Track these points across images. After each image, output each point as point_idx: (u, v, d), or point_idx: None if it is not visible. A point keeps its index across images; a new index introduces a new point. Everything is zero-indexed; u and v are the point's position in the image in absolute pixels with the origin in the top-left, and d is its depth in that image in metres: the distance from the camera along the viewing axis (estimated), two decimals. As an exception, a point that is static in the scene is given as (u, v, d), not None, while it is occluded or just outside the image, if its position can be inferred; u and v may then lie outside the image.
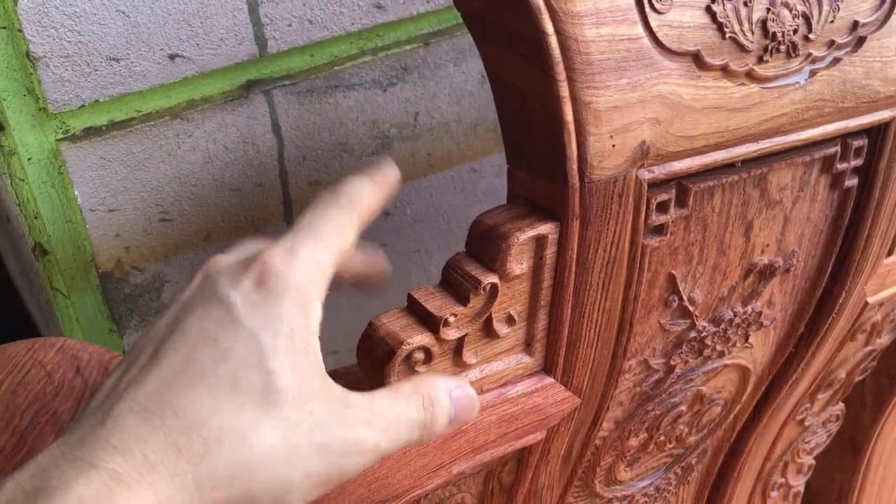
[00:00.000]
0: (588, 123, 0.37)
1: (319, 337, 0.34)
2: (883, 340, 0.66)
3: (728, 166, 0.44)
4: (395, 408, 0.35)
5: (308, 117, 0.62)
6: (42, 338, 0.38)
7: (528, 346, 0.42)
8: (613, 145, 0.38)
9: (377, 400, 0.34)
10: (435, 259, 0.78)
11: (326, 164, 0.65)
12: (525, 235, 0.38)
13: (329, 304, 0.77)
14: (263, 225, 0.65)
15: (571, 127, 0.37)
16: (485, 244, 0.39)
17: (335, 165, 0.66)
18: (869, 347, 0.65)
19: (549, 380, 0.43)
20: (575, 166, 0.37)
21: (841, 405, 0.72)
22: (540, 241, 0.39)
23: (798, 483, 0.77)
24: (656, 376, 0.50)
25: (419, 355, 0.38)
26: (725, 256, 0.47)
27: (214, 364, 0.30)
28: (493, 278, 0.38)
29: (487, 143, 0.74)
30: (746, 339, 0.53)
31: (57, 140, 0.53)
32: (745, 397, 0.59)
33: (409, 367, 0.38)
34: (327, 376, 0.33)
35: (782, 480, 0.75)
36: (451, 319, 0.38)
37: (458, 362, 0.39)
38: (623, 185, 0.39)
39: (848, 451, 0.81)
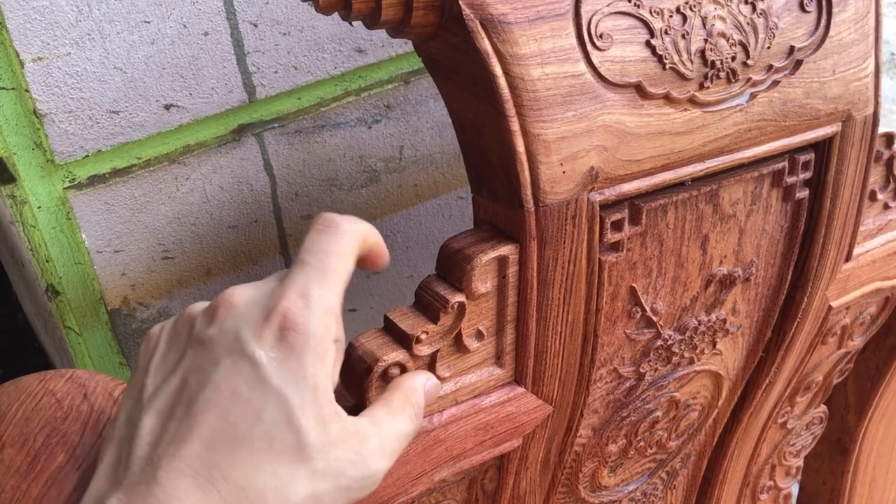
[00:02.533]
0: (538, 153, 0.41)
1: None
2: (856, 343, 0.69)
3: (678, 185, 0.48)
4: (395, 426, 0.38)
5: (298, 156, 0.66)
6: (53, 370, 0.42)
7: (498, 358, 0.45)
8: (563, 172, 0.42)
9: (381, 422, 0.38)
10: (428, 284, 0.82)
11: (318, 199, 0.69)
12: (487, 257, 0.42)
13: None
14: (260, 259, 0.69)
15: (524, 157, 0.41)
16: (451, 266, 0.42)
17: (326, 200, 0.70)
18: (842, 350, 0.68)
19: (521, 389, 0.46)
20: (529, 192, 0.41)
21: (823, 407, 0.75)
22: (502, 262, 0.42)
23: (787, 485, 0.79)
24: (628, 384, 0.54)
25: (395, 371, 0.41)
26: (684, 269, 0.51)
27: (249, 426, 0.33)
28: (460, 297, 0.42)
29: (472, 171, 0.78)
30: (714, 346, 0.56)
31: (64, 188, 0.57)
32: (721, 402, 0.62)
33: (386, 382, 0.41)
34: (341, 411, 0.36)
35: (771, 483, 0.77)
36: (423, 337, 0.41)
37: (432, 376, 0.43)
38: (576, 208, 0.43)
39: (836, 452, 0.83)
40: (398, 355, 0.41)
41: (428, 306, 0.42)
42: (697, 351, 0.55)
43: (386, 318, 0.42)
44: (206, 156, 0.61)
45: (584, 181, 0.43)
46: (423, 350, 0.42)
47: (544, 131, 0.41)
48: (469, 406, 0.45)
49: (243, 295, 0.36)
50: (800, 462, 0.78)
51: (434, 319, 0.42)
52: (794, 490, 0.81)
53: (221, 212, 0.64)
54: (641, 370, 0.53)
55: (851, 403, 0.81)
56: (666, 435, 0.61)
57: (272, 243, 0.69)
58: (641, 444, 0.59)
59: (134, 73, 0.56)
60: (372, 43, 0.65)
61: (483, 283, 0.42)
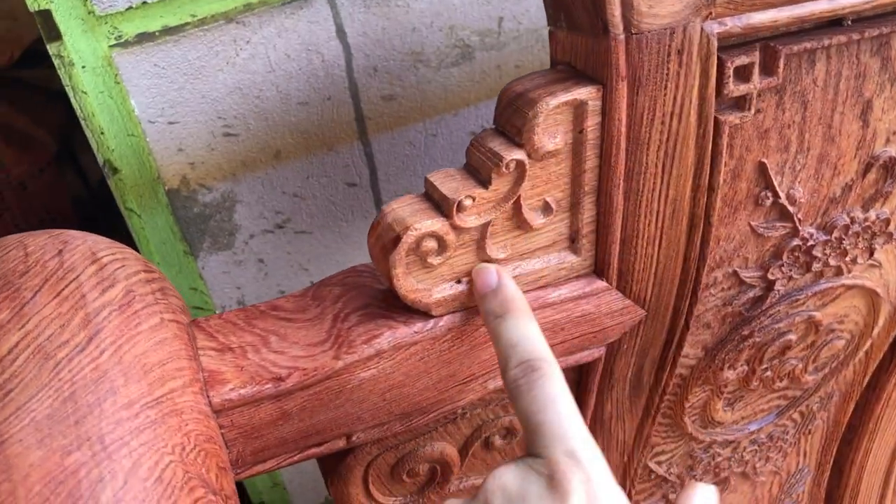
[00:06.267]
0: (632, -43, 0.30)
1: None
2: None
3: (834, 23, 0.35)
4: None
5: (376, 22, 0.57)
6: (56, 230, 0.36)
7: (572, 241, 0.35)
8: (667, -14, 0.31)
9: None
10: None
11: (400, 77, 0.60)
12: (556, 101, 0.31)
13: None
14: (335, 144, 0.61)
15: (610, -38, 0.30)
16: (511, 115, 0.33)
17: (410, 78, 0.61)
18: None
19: (601, 283, 0.36)
20: (618, 12, 0.31)
21: None
22: (578, 110, 0.32)
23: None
24: (751, 293, 0.42)
25: (430, 244, 0.32)
26: (836, 145, 0.39)
27: None
28: (519, 154, 0.32)
29: (586, 54, 0.67)
30: (871, 255, 0.44)
31: (110, 46, 0.51)
32: (876, 330, 0.50)
33: (420, 258, 0.33)
34: None
35: (936, 439, 0.63)
36: (468, 203, 0.32)
37: (481, 256, 0.34)
38: (683, 39, 0.32)
39: None
40: (434, 224, 0.32)
41: (479, 167, 0.33)
42: (847, 259, 0.43)
43: (426, 182, 0.33)
44: (268, 16, 0.54)
45: (696, 2, 0.31)
46: (469, 221, 0.32)
47: (641, -74, 0.30)
48: (531, 298, 0.35)
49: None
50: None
51: (485, 183, 0.32)
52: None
53: (289, 84, 0.57)
54: (770, 277, 0.42)
55: None
56: (801, 366, 0.49)
57: (349, 126, 0.61)
58: (768, 374, 0.48)
59: None
60: None
61: (551, 137, 0.32)
